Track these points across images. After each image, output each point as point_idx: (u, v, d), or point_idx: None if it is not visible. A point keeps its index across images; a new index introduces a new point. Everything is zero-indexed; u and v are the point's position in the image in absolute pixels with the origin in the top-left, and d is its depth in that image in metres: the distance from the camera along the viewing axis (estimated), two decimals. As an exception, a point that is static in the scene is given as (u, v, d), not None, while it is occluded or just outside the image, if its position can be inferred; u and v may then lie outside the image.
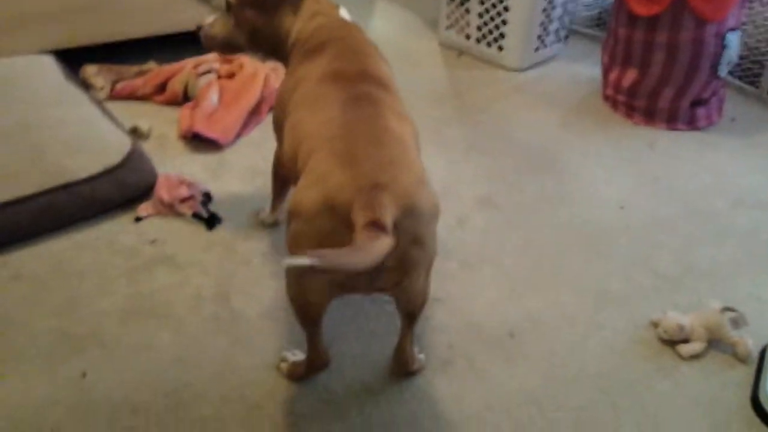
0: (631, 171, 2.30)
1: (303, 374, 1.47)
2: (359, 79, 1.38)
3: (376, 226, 1.05)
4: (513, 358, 1.57)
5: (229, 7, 1.65)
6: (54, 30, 2.42)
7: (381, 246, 1.03)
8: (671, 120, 2.56)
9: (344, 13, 1.64)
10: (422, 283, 1.30)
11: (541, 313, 1.70)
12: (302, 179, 1.20)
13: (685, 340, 1.60)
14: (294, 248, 1.20)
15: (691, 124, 2.57)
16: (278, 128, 1.55)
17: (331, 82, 1.38)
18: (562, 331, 1.66)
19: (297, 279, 1.27)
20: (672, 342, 1.61)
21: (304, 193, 1.17)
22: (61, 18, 2.41)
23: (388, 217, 1.07)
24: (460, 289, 1.76)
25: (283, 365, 1.50)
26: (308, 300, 1.29)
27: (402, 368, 1.50)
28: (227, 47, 1.71)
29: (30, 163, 1.83)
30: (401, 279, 1.22)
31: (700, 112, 2.56)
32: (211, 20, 1.68)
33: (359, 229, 1.05)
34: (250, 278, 1.75)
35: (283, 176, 1.73)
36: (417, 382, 1.50)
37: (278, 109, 1.55)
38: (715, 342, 1.61)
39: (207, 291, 1.71)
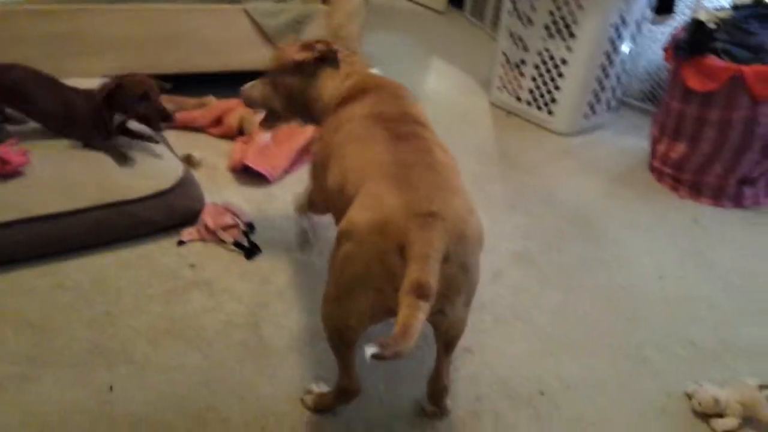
0: (673, 243, 2.28)
1: (330, 404, 1.46)
2: (401, 120, 1.44)
3: (420, 288, 1.06)
4: (541, 417, 1.54)
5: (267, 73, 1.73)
6: (128, 57, 2.56)
7: (417, 320, 1.04)
8: (717, 196, 2.54)
9: (376, 71, 1.71)
10: (463, 310, 1.30)
11: (573, 374, 1.67)
12: (355, 203, 1.22)
13: (720, 415, 1.55)
14: (342, 269, 1.21)
15: (737, 202, 2.53)
16: (317, 169, 1.59)
17: (375, 122, 1.42)
18: (594, 394, 1.62)
19: (342, 302, 1.26)
20: (706, 415, 1.56)
21: (358, 215, 1.18)
22: (136, 47, 2.55)
23: (433, 270, 1.08)
24: (492, 343, 1.74)
25: (308, 397, 1.49)
26: (348, 324, 1.28)
27: (437, 398, 1.47)
28: (266, 109, 1.78)
29: (89, 178, 1.90)
30: (444, 305, 1.22)
31: (747, 191, 2.53)
32: (249, 85, 1.76)
33: (403, 293, 1.06)
34: (282, 310, 1.77)
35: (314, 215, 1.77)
36: (442, 431, 1.48)
37: (319, 153, 1.58)
38: (749, 419, 1.56)
39: (238, 318, 1.72)
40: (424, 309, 1.05)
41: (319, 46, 1.63)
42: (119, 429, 1.40)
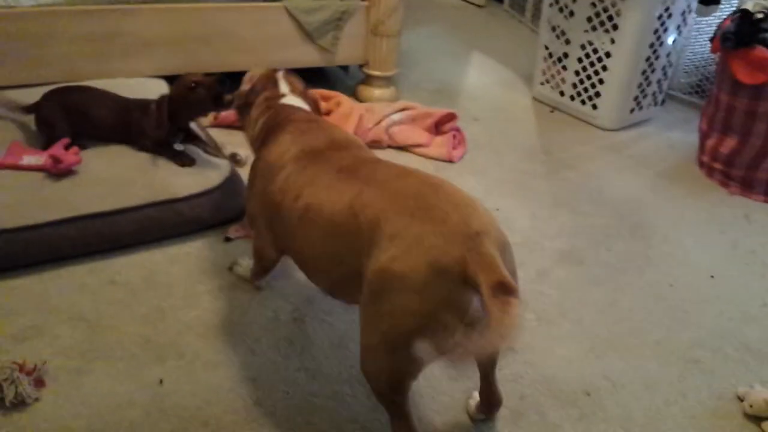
0: (724, 241, 2.22)
1: None
2: (333, 149, 1.43)
3: (503, 287, 1.02)
4: (587, 417, 1.52)
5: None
6: (170, 57, 2.60)
7: (516, 312, 0.99)
8: (771, 192, 2.47)
9: (292, 100, 1.69)
10: None
11: (620, 374, 1.65)
12: (386, 248, 1.14)
13: (773, 418, 1.51)
14: (399, 320, 1.12)
15: (792, 199, 2.46)
16: (259, 219, 1.57)
17: (310, 157, 1.41)
18: (642, 395, 1.59)
19: (401, 352, 1.15)
20: (757, 418, 1.53)
21: (402, 263, 1.10)
22: (177, 46, 2.59)
23: (505, 269, 1.05)
24: (536, 342, 1.73)
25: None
26: (410, 371, 1.20)
27: (496, 403, 1.44)
28: None
29: (139, 176, 1.94)
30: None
31: (802, 187, 2.45)
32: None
33: (489, 298, 1.01)
34: (326, 306, 1.78)
35: (269, 267, 1.71)
36: (485, 431, 1.47)
37: (254, 203, 1.57)
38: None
39: (284, 314, 1.74)
40: (515, 304, 1.00)
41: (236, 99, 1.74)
42: (169, 422, 1.43)
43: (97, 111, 2.05)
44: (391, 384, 1.23)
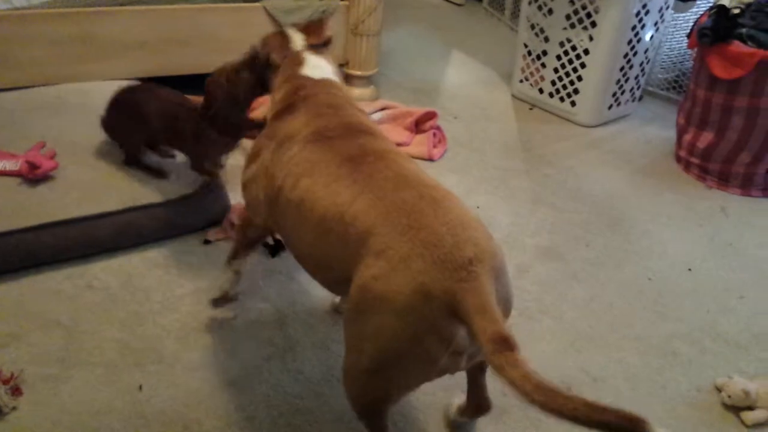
0: (702, 234, 2.24)
1: None
2: (347, 135, 1.32)
3: (505, 342, 0.97)
4: (568, 411, 1.53)
5: None
6: (147, 59, 2.58)
7: (526, 369, 0.95)
8: (746, 185, 2.49)
9: (321, 67, 1.55)
10: None
11: (601, 369, 1.66)
12: (370, 266, 1.09)
13: (750, 407, 1.53)
14: (382, 343, 1.08)
15: (766, 192, 2.49)
16: (255, 187, 1.47)
17: (318, 143, 1.32)
18: (623, 388, 1.61)
19: (383, 374, 1.12)
20: (736, 408, 1.54)
21: (384, 283, 1.06)
22: (154, 48, 2.57)
23: (500, 315, 1.01)
24: (517, 338, 1.72)
25: None
26: (391, 395, 1.17)
27: (485, 408, 1.40)
28: None
29: (116, 181, 1.93)
30: None
31: (778, 179, 2.48)
32: None
33: (492, 354, 0.96)
34: (307, 307, 1.77)
35: (253, 239, 1.62)
36: (469, 428, 1.47)
37: (255, 172, 1.46)
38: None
39: (265, 317, 1.74)
40: (521, 358, 0.96)
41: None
42: (149, 428, 1.42)
43: (148, 110, 1.95)
44: (375, 407, 1.21)
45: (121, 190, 1.90)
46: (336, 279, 1.24)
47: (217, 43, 2.66)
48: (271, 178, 1.38)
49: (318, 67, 1.53)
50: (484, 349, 0.97)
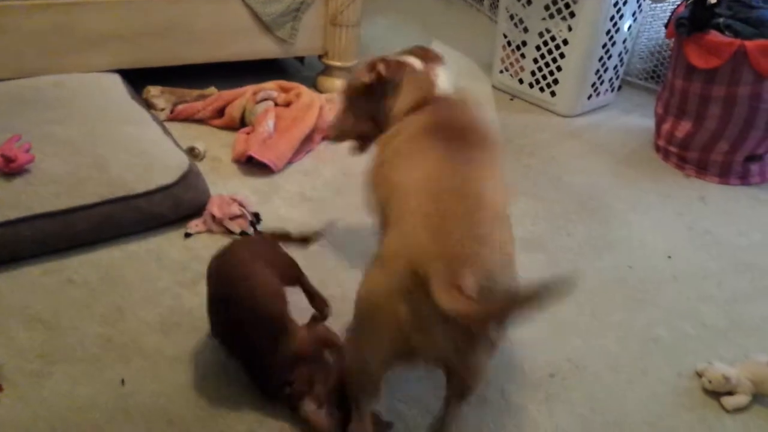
0: (681, 222, 2.27)
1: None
2: (460, 134, 1.35)
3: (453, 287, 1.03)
4: (552, 398, 1.54)
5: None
6: (124, 51, 2.54)
7: (458, 298, 1.02)
8: (724, 174, 2.53)
9: (445, 82, 1.58)
10: (485, 359, 1.22)
11: (583, 356, 1.67)
12: (391, 232, 1.21)
13: (730, 393, 1.55)
14: (368, 291, 1.19)
15: (744, 180, 2.53)
16: (371, 174, 1.50)
17: (431, 134, 1.35)
18: (605, 375, 1.62)
19: (361, 345, 1.23)
20: (716, 393, 1.57)
21: (389, 247, 1.19)
22: (131, 40, 2.53)
23: (467, 285, 1.04)
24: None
25: None
26: (367, 369, 1.24)
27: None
28: (354, 137, 1.73)
29: (94, 173, 1.90)
30: (467, 349, 1.15)
31: (754, 168, 2.52)
32: (332, 119, 1.73)
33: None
34: (289, 296, 1.76)
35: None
36: (452, 416, 1.48)
37: (377, 158, 1.50)
38: (760, 396, 1.57)
39: (249, 309, 1.73)
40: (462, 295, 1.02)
41: (379, 66, 1.56)
42: (133, 423, 1.41)
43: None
44: (359, 381, 1.29)
45: (98, 183, 1.87)
46: None
47: (194, 34, 2.63)
48: (382, 153, 1.47)
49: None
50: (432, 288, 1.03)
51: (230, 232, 1.97)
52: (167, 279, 1.80)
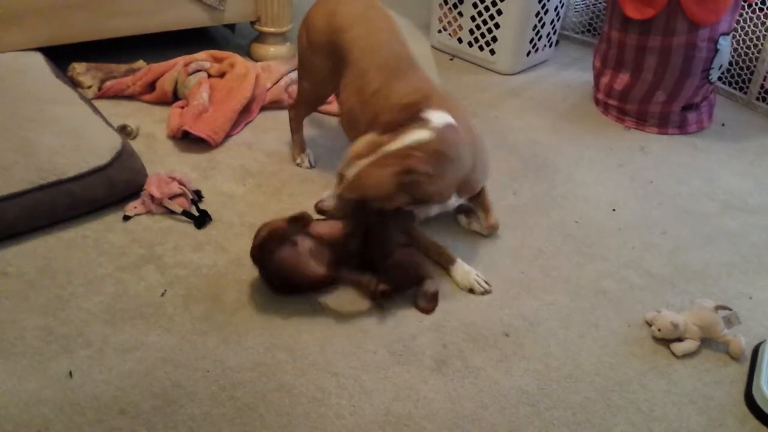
0: (623, 174, 2.31)
1: None
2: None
3: None
4: (508, 357, 1.56)
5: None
6: (43, 27, 2.39)
7: None
8: (662, 124, 2.57)
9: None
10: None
11: (536, 313, 1.69)
12: None
13: (679, 339, 1.60)
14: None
15: (682, 129, 2.58)
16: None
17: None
18: (557, 331, 1.65)
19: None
20: (666, 341, 1.61)
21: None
22: (50, 15, 2.38)
23: None
24: (453, 289, 1.75)
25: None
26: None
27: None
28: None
29: (20, 159, 1.80)
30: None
31: (691, 116, 2.57)
32: (327, 201, 1.67)
33: None
34: (242, 277, 1.73)
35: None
36: (411, 381, 1.48)
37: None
38: (708, 340, 1.62)
39: (197, 291, 1.68)
40: None
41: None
42: (84, 415, 1.36)
43: None
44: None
45: (26, 168, 1.78)
46: None
47: (117, 5, 2.49)
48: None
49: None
50: None
51: (171, 212, 1.90)
52: (108, 265, 1.73)
